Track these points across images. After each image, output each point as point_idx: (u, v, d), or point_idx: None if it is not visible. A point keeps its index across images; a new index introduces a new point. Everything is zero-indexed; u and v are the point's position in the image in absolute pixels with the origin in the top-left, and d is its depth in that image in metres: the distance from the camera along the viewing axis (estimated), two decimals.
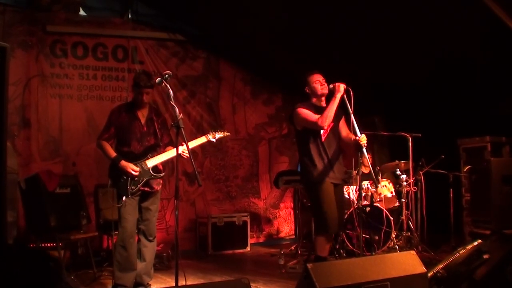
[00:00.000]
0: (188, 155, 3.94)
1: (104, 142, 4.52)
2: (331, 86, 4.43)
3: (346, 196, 6.03)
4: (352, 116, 4.27)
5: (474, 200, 5.79)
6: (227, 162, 7.81)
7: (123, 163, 4.38)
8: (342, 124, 4.63)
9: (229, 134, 4.94)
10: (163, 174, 4.63)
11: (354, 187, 6.14)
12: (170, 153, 4.49)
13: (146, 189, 4.50)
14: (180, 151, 4.02)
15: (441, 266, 3.47)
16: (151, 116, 4.64)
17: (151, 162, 4.48)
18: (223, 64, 7.89)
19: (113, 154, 4.47)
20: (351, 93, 4.28)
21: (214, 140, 4.67)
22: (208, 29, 7.42)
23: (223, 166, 7.78)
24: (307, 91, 4.59)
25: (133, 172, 4.37)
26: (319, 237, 4.47)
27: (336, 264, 3.33)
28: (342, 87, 4.32)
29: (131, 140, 4.52)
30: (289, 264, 5.78)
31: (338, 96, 4.32)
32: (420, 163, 6.18)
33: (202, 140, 4.63)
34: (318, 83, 4.50)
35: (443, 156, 6.03)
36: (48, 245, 5.58)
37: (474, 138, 6.27)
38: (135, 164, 4.42)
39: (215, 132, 4.69)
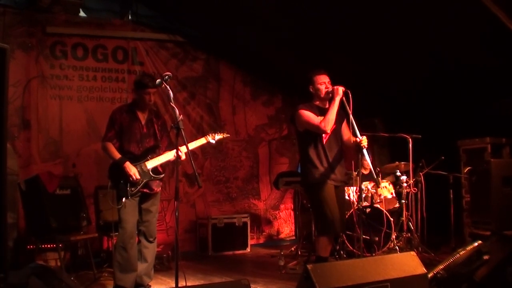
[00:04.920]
0: (184, 157, 3.94)
1: (109, 144, 4.50)
2: (330, 89, 4.43)
3: (347, 197, 6.03)
4: (351, 118, 4.28)
5: (474, 201, 5.79)
6: (227, 164, 7.81)
7: (128, 165, 4.37)
8: (345, 126, 4.62)
9: (229, 135, 4.95)
10: (163, 175, 4.63)
11: (354, 188, 6.15)
12: (170, 155, 4.49)
13: (145, 190, 4.50)
14: (179, 153, 4.02)
15: (441, 267, 3.46)
16: (151, 117, 4.64)
17: (150, 164, 4.48)
18: (223, 65, 7.89)
19: (117, 155, 4.45)
20: (350, 96, 4.28)
21: (213, 141, 4.69)
22: (208, 30, 7.43)
23: (223, 168, 7.78)
24: (311, 90, 4.56)
25: (134, 178, 4.36)
26: (321, 238, 4.46)
27: (336, 265, 3.33)
28: (341, 90, 4.32)
29: (131, 141, 4.51)
30: (289, 265, 5.78)
31: (338, 99, 4.32)
32: (420, 164, 6.18)
33: (201, 141, 4.64)
34: (323, 84, 4.49)
35: (443, 157, 6.03)
36: (48, 246, 5.59)
37: (474, 139, 6.27)
38: (134, 166, 4.41)
39: (215, 134, 4.71)
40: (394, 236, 5.85)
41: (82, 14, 6.99)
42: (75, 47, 6.85)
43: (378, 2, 5.16)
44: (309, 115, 4.44)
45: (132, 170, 4.37)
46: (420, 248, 5.83)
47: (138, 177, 4.39)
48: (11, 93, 6.24)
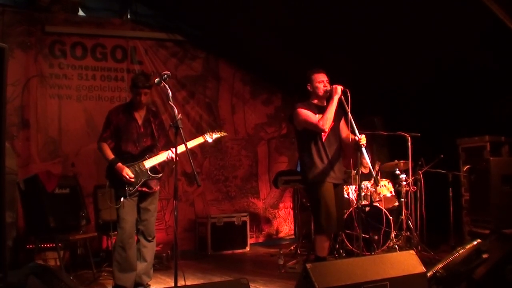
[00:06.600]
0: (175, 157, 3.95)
1: (104, 144, 4.52)
2: (328, 88, 4.43)
3: (346, 196, 6.03)
4: (350, 117, 4.28)
5: (473, 199, 5.79)
6: (227, 162, 7.81)
7: (119, 166, 4.37)
8: (343, 124, 4.63)
9: (226, 134, 4.93)
10: (161, 174, 4.62)
11: (354, 187, 6.15)
12: (164, 156, 4.47)
13: (144, 189, 4.49)
14: (173, 154, 4.01)
15: (440, 265, 3.47)
16: (148, 117, 4.64)
17: (148, 163, 4.47)
18: (222, 64, 7.88)
19: (110, 156, 4.46)
20: (349, 95, 4.28)
21: (211, 140, 4.66)
22: (207, 29, 7.42)
23: (222, 166, 7.77)
24: (309, 88, 4.57)
25: (127, 177, 4.35)
26: (318, 237, 4.47)
27: (336, 264, 3.33)
28: (339, 88, 4.32)
29: (128, 141, 4.51)
30: (288, 264, 5.78)
31: (336, 98, 4.32)
32: (420, 162, 6.17)
33: (199, 140, 4.63)
34: (322, 83, 4.49)
35: (442, 156, 6.02)
36: (48, 245, 5.59)
37: (473, 138, 6.27)
38: (132, 166, 4.42)
39: (212, 132, 4.69)
40: (393, 235, 5.85)
41: (81, 13, 6.99)
42: (74, 46, 6.85)
43: (377, 2, 5.16)
44: (307, 113, 4.44)
45: (124, 171, 4.36)
46: (419, 247, 5.83)
47: (132, 175, 4.38)
48: (10, 93, 6.24)
